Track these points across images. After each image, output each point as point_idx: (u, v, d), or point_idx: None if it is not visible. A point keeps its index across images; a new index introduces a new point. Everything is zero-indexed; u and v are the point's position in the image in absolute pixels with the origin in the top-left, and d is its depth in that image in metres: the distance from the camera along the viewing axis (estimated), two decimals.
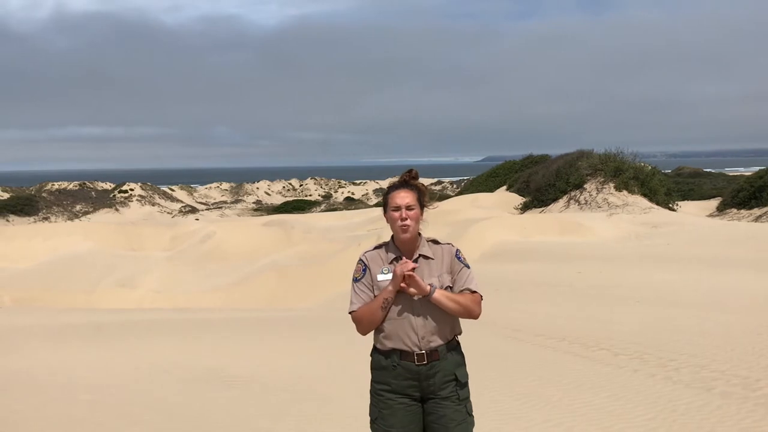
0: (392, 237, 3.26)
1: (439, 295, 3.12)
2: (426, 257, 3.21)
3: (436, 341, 3.15)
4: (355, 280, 3.23)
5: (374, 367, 3.24)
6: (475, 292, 3.21)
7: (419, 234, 3.25)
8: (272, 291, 15.83)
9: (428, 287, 3.10)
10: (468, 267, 3.27)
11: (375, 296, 3.17)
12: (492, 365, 7.31)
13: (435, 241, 3.29)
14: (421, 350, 3.12)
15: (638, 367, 6.99)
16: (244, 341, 9.01)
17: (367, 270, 3.22)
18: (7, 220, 46.21)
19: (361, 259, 3.25)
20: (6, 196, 59.40)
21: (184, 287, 17.46)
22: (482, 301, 3.25)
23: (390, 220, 3.20)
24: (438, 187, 75.01)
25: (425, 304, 3.13)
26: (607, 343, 8.01)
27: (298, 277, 15.62)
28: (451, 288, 3.19)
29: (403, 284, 3.09)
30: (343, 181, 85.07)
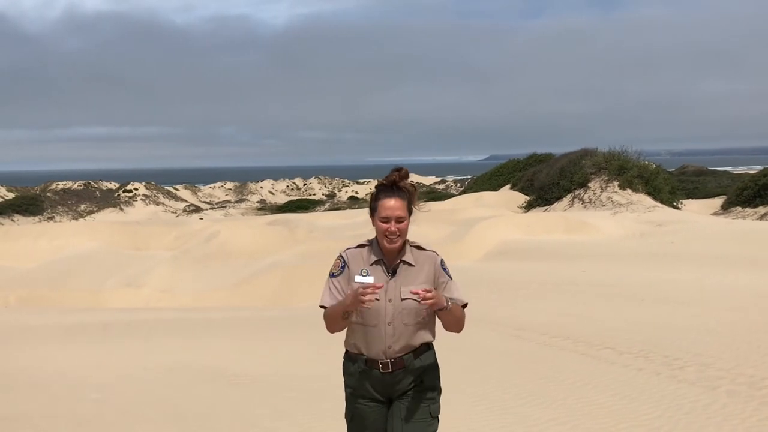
0: (376, 238, 3.14)
1: (454, 307, 3.06)
2: (407, 264, 3.09)
3: (403, 350, 3.08)
4: (332, 275, 3.11)
5: (344, 371, 3.21)
6: (465, 304, 3.16)
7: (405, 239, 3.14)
8: (276, 290, 15.85)
9: (444, 299, 2.99)
10: (451, 278, 3.15)
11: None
12: (496, 364, 7.31)
13: (419, 247, 3.14)
14: (386, 359, 3.06)
15: (643, 366, 6.98)
16: (248, 340, 9.03)
17: (346, 268, 3.11)
18: (12, 220, 46.35)
19: (341, 255, 3.13)
20: (11, 196, 59.59)
21: (189, 286, 17.49)
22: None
23: (377, 229, 3.08)
24: (442, 186, 74.94)
25: (396, 313, 3.03)
26: (611, 341, 8.00)
27: (303, 277, 15.63)
28: None
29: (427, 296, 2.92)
30: (346, 181, 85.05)
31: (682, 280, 12.03)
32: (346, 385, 3.21)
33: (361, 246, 3.16)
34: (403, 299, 3.04)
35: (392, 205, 3.04)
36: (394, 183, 3.08)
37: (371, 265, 3.08)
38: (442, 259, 3.15)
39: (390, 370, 3.08)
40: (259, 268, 17.81)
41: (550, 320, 9.46)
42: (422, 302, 2.91)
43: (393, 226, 3.02)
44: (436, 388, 3.19)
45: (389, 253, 3.09)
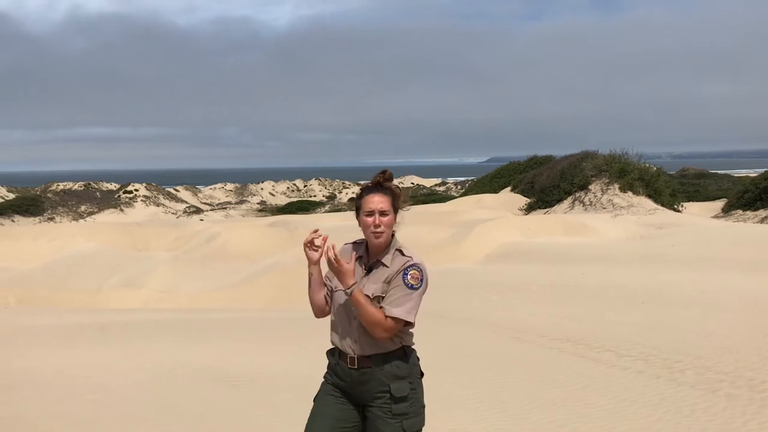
0: None
1: (357, 295, 2.99)
2: (383, 264, 3.10)
3: (372, 349, 3.06)
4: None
5: (328, 359, 3.28)
6: (392, 316, 2.99)
7: (393, 237, 3.15)
8: (276, 291, 15.84)
9: (351, 282, 3.01)
10: (410, 287, 3.01)
11: (330, 286, 3.22)
12: (496, 366, 7.30)
13: (401, 251, 3.11)
14: (353, 354, 3.08)
15: (643, 369, 6.97)
16: (248, 341, 9.02)
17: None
18: (13, 221, 46.37)
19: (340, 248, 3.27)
20: (11, 196, 59.62)
21: (189, 287, 17.48)
22: (399, 328, 3.00)
23: (363, 225, 3.11)
24: (442, 188, 74.94)
25: None
26: (611, 344, 7.99)
27: (302, 278, 15.57)
28: (381, 299, 3.05)
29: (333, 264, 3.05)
30: (347, 182, 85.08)
31: (682, 283, 12.02)
32: (327, 370, 3.26)
33: (356, 243, 3.25)
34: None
35: (376, 199, 3.10)
36: (378, 184, 3.16)
37: (355, 260, 3.14)
38: (412, 265, 3.05)
39: (356, 366, 3.08)
40: (259, 269, 17.80)
41: (549, 323, 9.45)
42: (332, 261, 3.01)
43: (377, 219, 3.07)
44: (407, 400, 3.05)
45: (373, 250, 3.14)
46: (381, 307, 3.01)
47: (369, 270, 3.13)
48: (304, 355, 8.01)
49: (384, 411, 3.04)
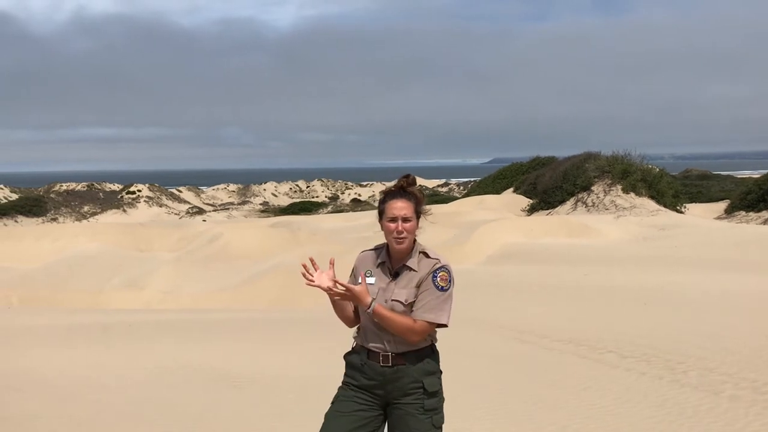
0: None
1: (380, 311, 3.04)
2: (410, 269, 3.12)
3: (405, 346, 3.10)
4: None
5: (347, 362, 3.25)
6: (426, 321, 3.06)
7: (415, 241, 3.17)
8: (278, 292, 15.84)
9: (368, 300, 3.04)
10: (441, 290, 3.08)
11: None
12: (499, 367, 7.29)
13: (426, 254, 3.15)
14: (386, 352, 3.10)
15: (646, 370, 6.96)
16: (250, 342, 9.02)
17: (354, 269, 3.29)
18: (16, 221, 46.44)
19: (357, 257, 3.29)
20: (15, 197, 59.72)
21: (191, 288, 17.49)
22: (431, 330, 3.09)
23: (385, 230, 3.13)
24: (445, 189, 74.92)
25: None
26: (614, 345, 7.98)
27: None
28: (412, 304, 3.09)
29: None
30: (349, 183, 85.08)
31: (685, 284, 11.99)
32: (346, 374, 3.24)
33: (375, 249, 3.26)
34: (392, 300, 3.10)
35: (399, 205, 3.11)
36: (401, 188, 3.17)
37: (377, 266, 3.18)
38: (440, 267, 3.10)
39: (390, 364, 3.09)
40: (262, 270, 17.81)
41: (552, 324, 9.43)
42: (329, 292, 3.06)
43: (400, 226, 3.08)
44: (438, 395, 3.16)
45: (396, 255, 3.16)
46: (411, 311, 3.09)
47: (396, 275, 3.14)
48: (306, 355, 8.01)
49: (416, 407, 3.09)
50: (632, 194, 26.13)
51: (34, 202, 52.71)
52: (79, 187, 67.00)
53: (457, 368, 7.01)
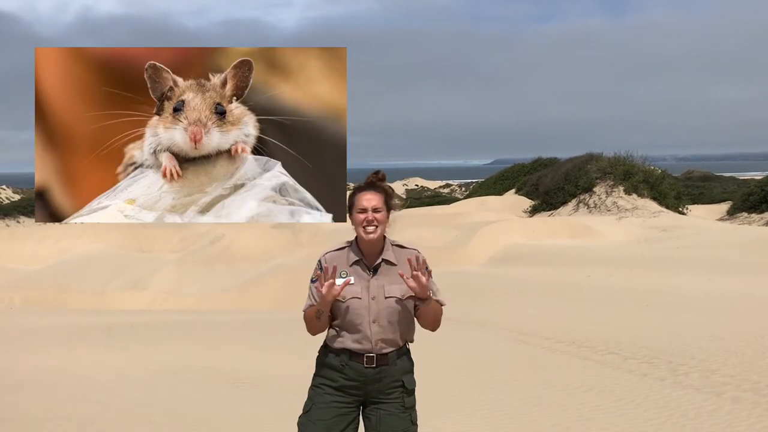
0: (356, 238, 3.14)
1: (434, 302, 3.09)
2: (389, 263, 3.10)
3: (389, 346, 3.09)
4: (312, 281, 3.14)
5: (321, 363, 3.19)
6: (443, 304, 3.18)
7: (384, 237, 3.14)
8: (280, 293, 15.84)
9: (430, 289, 3.05)
10: (430, 273, 3.12)
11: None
12: (501, 369, 7.29)
13: (400, 246, 3.16)
14: (371, 353, 3.07)
15: (647, 372, 6.96)
16: (252, 343, 9.03)
17: (325, 271, 3.10)
18: (18, 222, 46.51)
19: (319, 261, 3.14)
20: (17, 197, 59.80)
21: (194, 288, 17.52)
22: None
23: (355, 223, 3.09)
24: (446, 190, 74.87)
25: (382, 309, 3.06)
26: (616, 347, 7.97)
27: (306, 280, 15.58)
28: (412, 297, 3.08)
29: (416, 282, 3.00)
30: (350, 184, 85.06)
31: (687, 286, 11.99)
32: (319, 376, 3.17)
33: (340, 248, 3.18)
34: (386, 297, 3.07)
35: (368, 197, 3.09)
36: (371, 183, 3.16)
37: (351, 265, 3.10)
38: (423, 258, 3.10)
39: (374, 365, 3.08)
40: (264, 270, 17.83)
41: (554, 325, 9.43)
42: (408, 281, 2.96)
43: (370, 215, 3.05)
44: (414, 392, 3.18)
45: (369, 250, 3.11)
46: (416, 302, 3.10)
47: (374, 270, 3.09)
48: (308, 357, 8.01)
49: (396, 406, 3.10)
50: (634, 195, 26.13)
51: None
52: None
53: (458, 369, 7.02)
